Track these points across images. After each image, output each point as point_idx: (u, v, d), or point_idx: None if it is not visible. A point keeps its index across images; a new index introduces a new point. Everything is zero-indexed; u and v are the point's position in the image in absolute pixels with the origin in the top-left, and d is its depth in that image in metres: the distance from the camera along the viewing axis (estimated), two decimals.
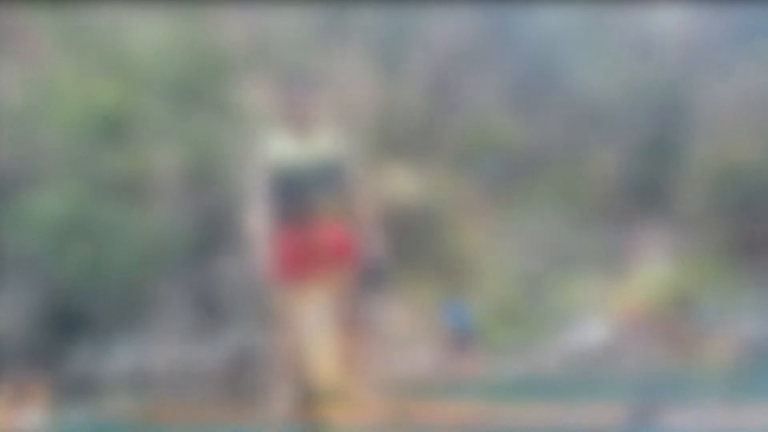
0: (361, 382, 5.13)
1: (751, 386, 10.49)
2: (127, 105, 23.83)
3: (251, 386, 21.80)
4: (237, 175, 25.87)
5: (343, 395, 5.01)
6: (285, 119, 5.19)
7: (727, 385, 10.68)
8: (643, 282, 31.21)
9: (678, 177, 38.07)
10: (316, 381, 17.34)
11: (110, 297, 24.80)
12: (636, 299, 27.49)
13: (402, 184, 31.14)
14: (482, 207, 35.73)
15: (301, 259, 4.83)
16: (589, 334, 26.24)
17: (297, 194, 4.83)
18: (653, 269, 32.22)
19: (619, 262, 35.18)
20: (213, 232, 28.30)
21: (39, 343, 23.89)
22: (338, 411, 4.60)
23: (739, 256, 34.72)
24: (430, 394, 10.90)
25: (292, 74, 5.40)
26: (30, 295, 24.01)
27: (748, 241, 34.31)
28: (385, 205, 28.17)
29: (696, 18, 35.96)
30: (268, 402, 4.61)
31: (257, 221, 4.98)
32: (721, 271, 30.21)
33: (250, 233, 5.08)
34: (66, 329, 25.09)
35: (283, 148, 4.98)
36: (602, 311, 30.03)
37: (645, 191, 39.30)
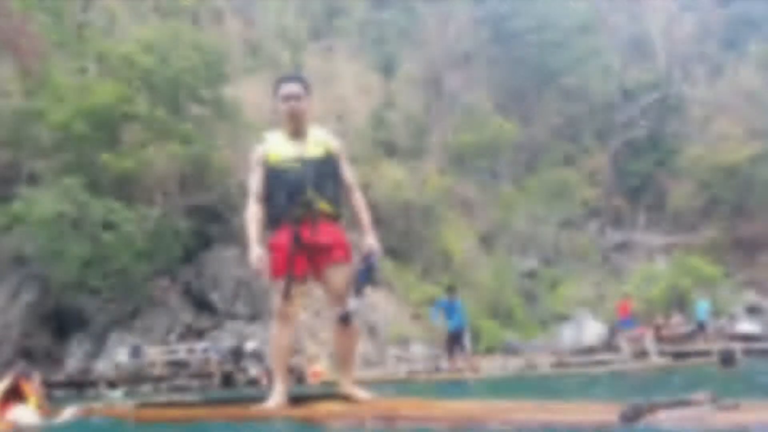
0: (354, 378, 5.12)
1: (744, 384, 10.53)
2: (123, 104, 23.83)
3: (247, 382, 21.84)
4: (233, 174, 26.00)
5: (336, 391, 5.02)
6: (280, 119, 5.20)
7: (720, 382, 10.71)
8: (636, 280, 31.28)
9: (671, 176, 38.17)
10: (310, 376, 17.24)
11: (106, 294, 24.81)
12: (629, 297, 27.51)
13: (396, 182, 31.14)
14: (477, 205, 35.76)
15: (296, 257, 4.83)
16: (583, 332, 26.24)
17: (292, 193, 4.83)
18: (647, 267, 32.28)
19: (613, 260, 35.28)
20: (209, 231, 28.31)
21: (35, 339, 23.90)
22: (332, 407, 4.61)
23: (731, 255, 34.80)
24: (424, 391, 10.90)
25: (287, 74, 5.28)
26: (26, 292, 24.01)
27: (740, 240, 34.39)
28: (380, 202, 28.15)
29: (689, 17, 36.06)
30: (263, 399, 4.60)
31: (253, 219, 4.99)
32: (713, 270, 30.27)
33: (246, 231, 5.09)
34: (62, 326, 25.11)
35: (278, 147, 4.97)
36: (596, 309, 30.06)
37: (638, 190, 39.40)
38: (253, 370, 22.24)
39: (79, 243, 21.78)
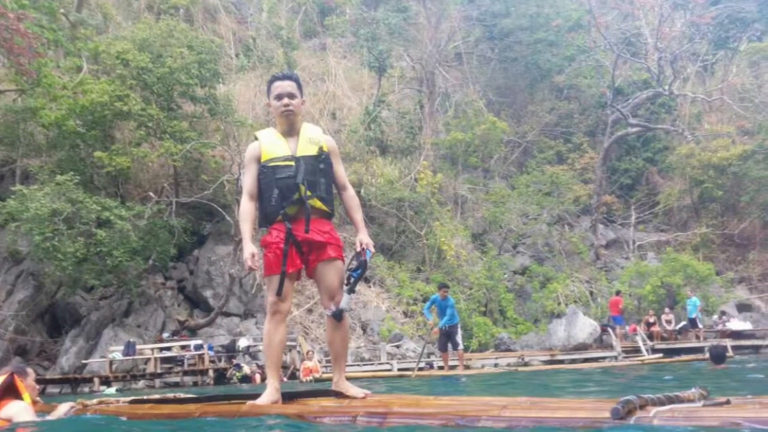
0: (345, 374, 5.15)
1: (734, 380, 10.59)
2: (116, 102, 23.83)
3: (240, 379, 21.84)
4: (226, 172, 26.00)
5: (329, 387, 5.05)
6: (274, 117, 5.22)
7: (711, 379, 10.77)
8: (628, 277, 31.37)
9: (662, 174, 38.28)
10: (303, 373, 17.30)
11: (100, 292, 24.83)
12: (621, 294, 27.60)
13: (389, 179, 31.15)
14: (469, 203, 35.81)
15: (290, 253, 4.86)
16: (575, 329, 26.29)
17: (285, 190, 4.85)
18: (638, 265, 32.36)
19: (605, 257, 35.36)
20: (202, 228, 28.31)
21: (29, 336, 23.88)
22: (325, 403, 4.64)
23: (722, 252, 34.92)
24: (416, 388, 10.94)
25: (280, 72, 5.27)
26: (20, 289, 23.99)
27: (730, 238, 34.50)
28: (373, 200, 28.20)
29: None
30: (256, 395, 4.62)
31: (246, 217, 5.01)
32: (704, 267, 30.38)
33: (240, 229, 5.12)
34: (56, 323, 25.12)
35: (271, 145, 4.99)
36: (588, 306, 30.12)
37: (629, 188, 39.50)
38: (247, 367, 22.26)
39: (73, 240, 21.77)
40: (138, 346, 23.13)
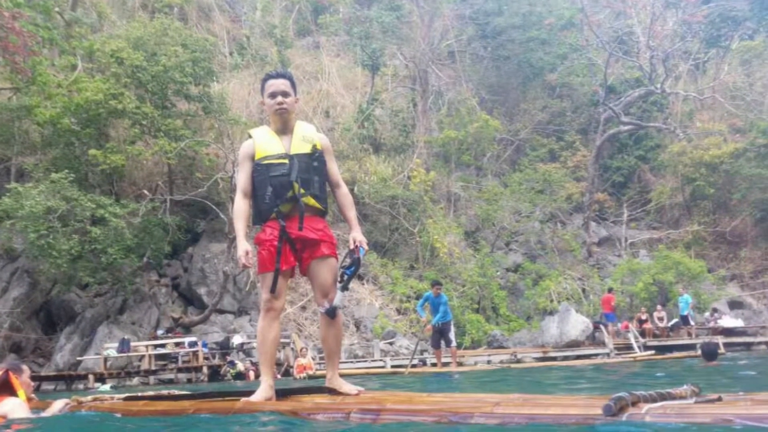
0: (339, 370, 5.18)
1: (726, 377, 10.64)
2: (111, 101, 23.82)
3: (234, 376, 21.87)
4: (220, 169, 26.00)
5: (323, 384, 5.07)
6: (267, 115, 5.24)
7: (703, 376, 10.82)
8: (620, 275, 31.44)
9: (654, 172, 38.37)
10: (297, 370, 17.31)
11: (95, 289, 24.83)
12: (613, 291, 27.68)
13: (382, 177, 31.16)
14: (462, 201, 35.85)
15: (284, 251, 4.89)
16: (567, 326, 26.34)
17: (279, 188, 4.87)
18: (630, 262, 32.45)
19: (597, 255, 35.44)
20: (196, 226, 28.31)
21: (24, 333, 23.88)
22: (319, 400, 4.66)
23: (713, 250, 35.02)
24: (410, 385, 10.97)
25: (274, 70, 5.26)
26: (15, 286, 23.99)
27: (722, 235, 34.61)
28: (366, 198, 28.21)
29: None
30: (250, 392, 4.63)
31: (240, 214, 5.04)
32: (696, 264, 30.48)
33: (234, 226, 5.15)
34: (51, 320, 25.12)
35: (265, 143, 5.01)
36: (580, 303, 30.19)
37: (622, 186, 39.59)
38: (240, 364, 22.29)
39: (68, 238, 21.81)
40: (132, 343, 23.16)
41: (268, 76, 5.30)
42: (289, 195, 4.95)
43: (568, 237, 35.08)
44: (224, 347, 24.02)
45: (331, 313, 5.03)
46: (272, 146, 5.07)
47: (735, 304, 30.90)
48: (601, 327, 26.16)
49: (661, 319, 27.69)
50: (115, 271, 23.78)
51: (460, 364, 19.05)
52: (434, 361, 18.47)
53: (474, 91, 40.59)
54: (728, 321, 28.11)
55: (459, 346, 21.99)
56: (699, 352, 16.85)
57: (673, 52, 39.04)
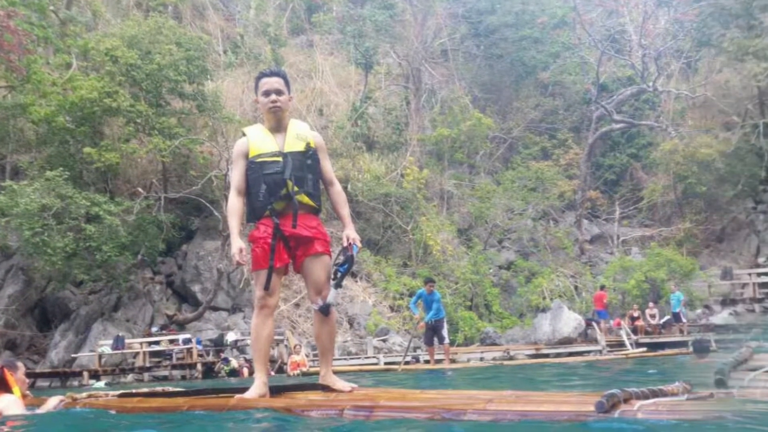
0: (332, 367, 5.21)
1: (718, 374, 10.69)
2: (105, 99, 23.82)
3: (228, 373, 21.90)
4: (214, 167, 25.99)
5: (316, 381, 5.10)
6: (261, 113, 5.28)
7: (694, 373, 10.88)
8: (612, 272, 31.53)
9: (646, 170, 38.45)
10: (292, 365, 17.36)
11: (89, 286, 24.83)
12: (605, 288, 27.77)
13: (376, 175, 31.18)
14: (455, 198, 35.89)
15: (277, 248, 4.92)
16: (560, 323, 26.44)
17: (273, 186, 4.90)
18: (622, 259, 32.54)
19: (589, 252, 35.54)
20: (190, 223, 28.30)
21: (19, 330, 23.88)
22: (312, 396, 4.69)
23: (705, 247, 35.12)
24: (403, 382, 11.02)
25: (268, 69, 5.28)
26: (10, 284, 23.99)
27: (714, 233, 34.70)
28: (360, 196, 28.24)
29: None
30: (244, 389, 4.66)
31: (234, 212, 5.07)
32: (688, 262, 30.59)
33: (228, 224, 5.18)
34: (46, 318, 25.12)
35: (259, 141, 5.05)
36: (573, 301, 30.28)
37: (614, 184, 39.68)
38: (234, 361, 22.31)
39: (63, 236, 21.84)
40: (127, 341, 23.22)
41: (262, 75, 5.34)
42: (283, 193, 4.99)
43: (560, 234, 35.16)
44: (218, 344, 24.04)
45: (325, 311, 5.07)
46: (266, 144, 5.12)
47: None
48: (594, 324, 26.25)
49: (653, 316, 27.78)
50: (110, 268, 23.79)
51: (453, 361, 19.12)
52: (427, 358, 18.51)
53: (467, 89, 40.60)
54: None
55: (452, 343, 22.08)
56: (691, 349, 16.95)
57: (665, 51, 39.13)
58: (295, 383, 5.80)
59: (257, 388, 4.95)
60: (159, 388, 6.23)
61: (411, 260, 31.32)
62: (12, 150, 25.69)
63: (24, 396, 5.94)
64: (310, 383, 5.35)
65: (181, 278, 27.22)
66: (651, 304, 28.30)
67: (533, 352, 24.00)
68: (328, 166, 5.36)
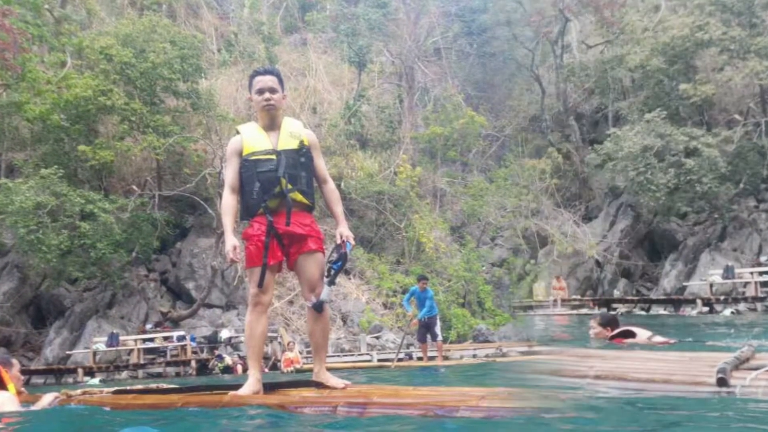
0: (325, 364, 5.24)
1: None
2: (100, 97, 23.82)
3: (222, 370, 21.93)
4: (208, 165, 25.96)
5: (310, 378, 5.12)
6: (255, 111, 5.30)
7: None
8: None
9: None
10: (286, 362, 17.35)
11: (84, 284, 24.81)
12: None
13: (369, 173, 31.19)
14: (448, 196, 35.92)
15: (271, 246, 4.95)
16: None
17: (267, 184, 4.93)
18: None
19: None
20: (185, 221, 28.28)
21: (14, 327, 23.88)
22: (306, 393, 4.72)
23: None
24: (396, 378, 11.04)
25: (262, 67, 5.27)
26: (5, 281, 23.98)
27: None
28: (353, 193, 28.19)
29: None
30: (238, 386, 4.69)
31: (228, 210, 5.09)
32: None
33: (222, 222, 5.20)
34: (40, 315, 25.11)
35: (253, 139, 5.07)
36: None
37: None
38: (228, 358, 22.35)
39: (57, 233, 21.88)
40: (121, 338, 23.25)
41: (256, 73, 5.37)
42: (277, 190, 5.02)
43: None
44: (212, 341, 24.08)
45: (318, 308, 5.10)
46: (260, 142, 5.14)
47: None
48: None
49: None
50: (104, 265, 23.79)
51: (446, 358, 19.16)
52: (420, 355, 18.55)
53: (460, 87, 40.63)
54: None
55: (445, 340, 22.12)
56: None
57: None
58: (288, 380, 5.82)
59: (251, 385, 4.98)
60: (153, 385, 6.26)
61: (404, 257, 31.35)
62: (7, 148, 25.74)
63: (19, 393, 5.96)
64: (303, 380, 5.38)
65: (176, 275, 27.24)
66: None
67: (526, 348, 24.01)
68: (321, 164, 5.39)
